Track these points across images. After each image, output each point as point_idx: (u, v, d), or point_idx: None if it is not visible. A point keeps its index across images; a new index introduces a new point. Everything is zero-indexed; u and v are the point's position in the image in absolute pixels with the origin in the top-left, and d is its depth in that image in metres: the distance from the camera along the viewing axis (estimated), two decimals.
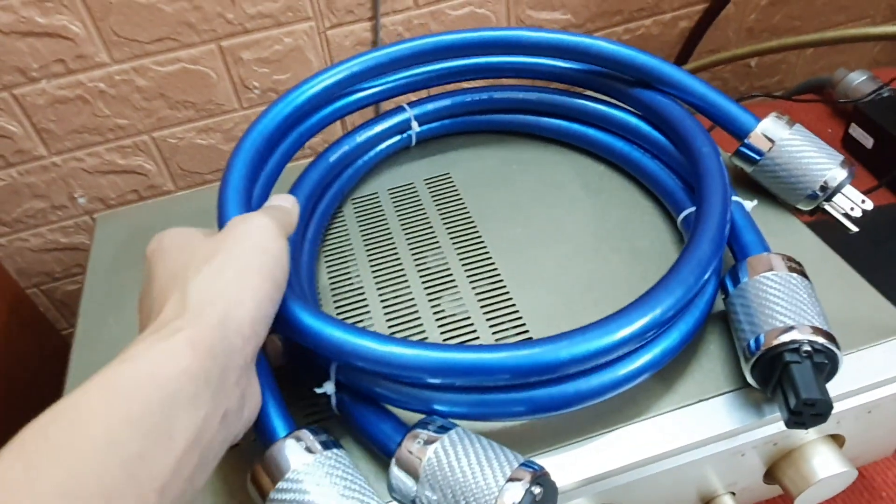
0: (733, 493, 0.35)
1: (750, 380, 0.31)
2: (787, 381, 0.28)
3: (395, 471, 0.27)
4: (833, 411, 0.28)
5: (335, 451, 0.27)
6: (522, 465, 0.26)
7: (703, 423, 0.31)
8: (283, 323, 0.29)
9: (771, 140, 0.38)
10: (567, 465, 0.30)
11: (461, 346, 0.28)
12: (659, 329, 0.29)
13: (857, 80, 0.61)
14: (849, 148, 0.59)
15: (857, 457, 0.35)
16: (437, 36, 0.42)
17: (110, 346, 0.38)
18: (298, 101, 0.39)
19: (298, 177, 0.41)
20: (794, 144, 0.38)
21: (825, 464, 0.33)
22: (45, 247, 0.69)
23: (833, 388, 0.30)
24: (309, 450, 0.27)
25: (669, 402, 0.32)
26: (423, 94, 0.48)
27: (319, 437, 0.27)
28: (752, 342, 0.30)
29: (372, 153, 0.46)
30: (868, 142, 0.56)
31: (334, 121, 0.44)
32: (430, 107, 0.46)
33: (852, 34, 0.51)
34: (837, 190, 0.37)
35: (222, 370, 0.22)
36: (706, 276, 0.30)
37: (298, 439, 0.27)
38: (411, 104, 0.46)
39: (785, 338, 0.29)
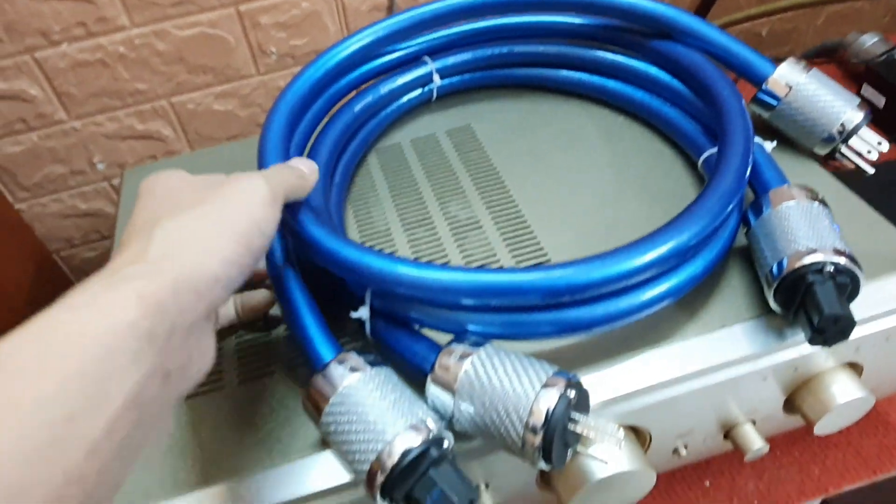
0: (754, 422, 0.36)
1: (773, 305, 0.32)
2: (810, 300, 0.29)
3: (432, 387, 0.28)
4: (852, 335, 0.29)
5: (382, 367, 0.28)
6: (556, 373, 0.27)
7: (725, 347, 0.32)
8: (322, 254, 0.31)
9: (788, 85, 0.39)
10: (591, 385, 0.31)
11: (495, 269, 0.29)
12: (685, 254, 0.30)
13: (869, 42, 0.62)
14: None
15: (876, 387, 0.36)
16: None
17: None
18: (329, 64, 0.41)
19: (326, 123, 0.42)
20: (810, 88, 0.39)
21: (844, 390, 0.34)
22: (65, 212, 0.70)
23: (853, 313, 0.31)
24: (355, 368, 0.28)
25: (693, 329, 0.33)
26: None
27: (367, 357, 0.29)
28: (774, 267, 0.31)
29: (394, 105, 0.46)
30: (880, 101, 0.57)
31: (360, 85, 0.45)
32: (451, 60, 0.47)
33: None
34: (854, 132, 0.38)
35: (169, 328, 0.20)
36: (732, 205, 0.31)
37: (344, 361, 0.28)
38: (433, 57, 0.47)
39: (808, 260, 0.30)
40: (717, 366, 0.31)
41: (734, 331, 0.32)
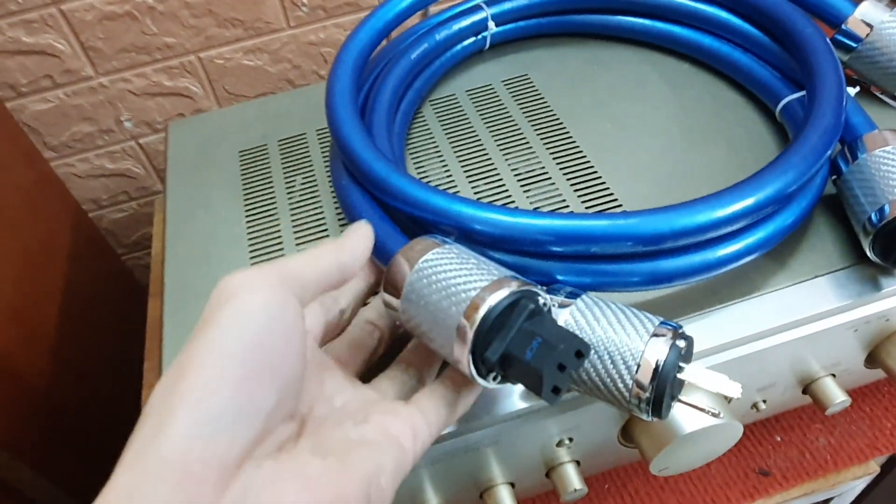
0: (834, 376, 0.35)
1: (869, 253, 0.30)
2: None
3: None
4: None
5: (456, 244, 0.26)
6: (662, 323, 0.26)
7: (819, 297, 0.31)
8: (409, 202, 0.29)
9: (869, 24, 0.37)
10: None
11: (591, 214, 0.28)
12: (790, 196, 0.29)
13: None
14: None
15: None
16: None
17: (203, 240, 0.38)
18: (388, 15, 0.40)
19: (383, 73, 0.40)
20: (894, 27, 0.37)
21: None
22: (92, 173, 0.69)
23: None
24: (429, 247, 0.25)
25: (784, 278, 0.32)
26: None
27: (439, 238, 0.27)
28: (873, 214, 0.30)
29: (448, 54, 0.45)
30: None
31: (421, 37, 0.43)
32: (507, 5, 0.45)
33: None
34: None
35: None
36: (834, 144, 0.30)
37: (417, 243, 0.26)
38: (487, 2, 0.45)
39: None
40: (810, 317, 0.31)
41: (827, 280, 0.31)
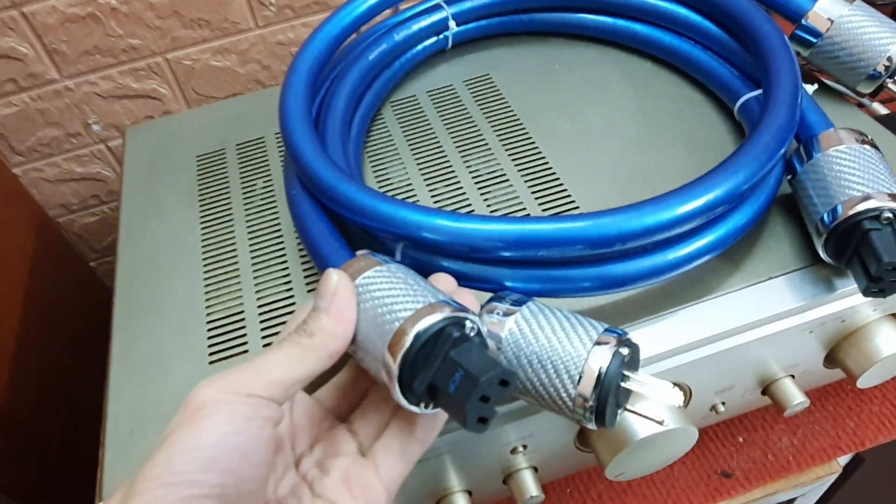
0: (793, 377, 0.35)
1: (822, 254, 0.30)
2: (865, 248, 0.28)
3: None
4: None
5: (396, 263, 0.26)
6: (606, 330, 0.25)
7: (773, 299, 0.31)
8: (356, 210, 0.29)
9: (830, 18, 0.37)
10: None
11: (540, 217, 0.27)
12: (739, 199, 0.28)
13: None
14: None
15: None
16: None
17: (156, 250, 0.37)
18: (345, 21, 0.39)
19: (340, 74, 0.40)
20: (854, 21, 0.37)
21: (889, 342, 0.33)
22: (61, 177, 0.68)
23: None
24: (366, 267, 0.25)
25: (739, 280, 0.31)
26: None
27: (379, 256, 0.26)
28: (826, 215, 0.29)
29: (409, 55, 0.44)
30: None
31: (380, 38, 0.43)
32: (467, 4, 0.44)
33: None
34: None
35: None
36: (787, 143, 0.29)
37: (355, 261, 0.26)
38: (448, 2, 0.44)
39: (862, 206, 0.28)
40: (764, 319, 0.30)
41: (782, 282, 0.31)
